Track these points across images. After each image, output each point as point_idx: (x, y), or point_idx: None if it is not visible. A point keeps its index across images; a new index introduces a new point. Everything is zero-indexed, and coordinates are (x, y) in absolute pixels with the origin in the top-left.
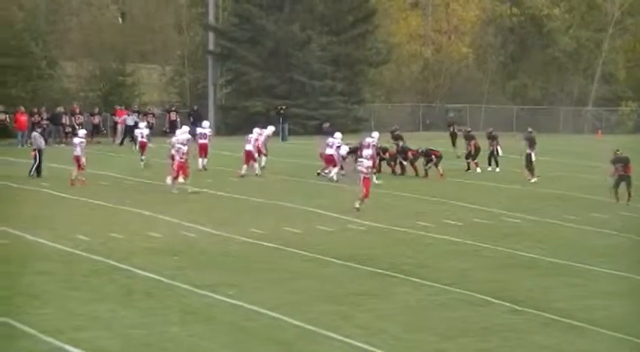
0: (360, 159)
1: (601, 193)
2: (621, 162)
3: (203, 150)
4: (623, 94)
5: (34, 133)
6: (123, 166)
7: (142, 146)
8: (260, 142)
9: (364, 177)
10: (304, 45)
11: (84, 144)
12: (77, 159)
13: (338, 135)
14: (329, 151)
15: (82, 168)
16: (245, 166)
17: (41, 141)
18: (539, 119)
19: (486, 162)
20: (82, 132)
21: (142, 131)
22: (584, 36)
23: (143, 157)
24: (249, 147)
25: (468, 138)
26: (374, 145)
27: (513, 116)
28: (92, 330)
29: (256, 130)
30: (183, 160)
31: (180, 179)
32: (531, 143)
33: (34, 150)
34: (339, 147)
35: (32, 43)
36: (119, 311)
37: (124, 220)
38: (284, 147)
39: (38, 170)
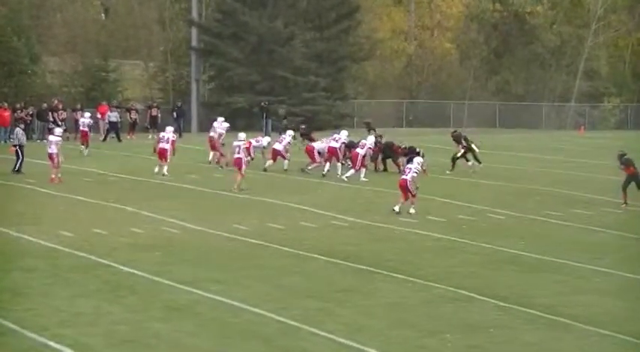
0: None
1: (584, 189)
2: (625, 164)
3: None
4: (606, 90)
5: (17, 129)
6: (106, 162)
7: (83, 135)
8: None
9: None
10: (287, 41)
11: (60, 143)
12: (51, 156)
13: (344, 133)
14: (333, 144)
15: (57, 166)
16: (271, 161)
17: (23, 138)
18: (521, 115)
19: (463, 159)
20: (58, 130)
21: (84, 120)
22: (567, 32)
23: (82, 146)
24: (277, 146)
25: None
26: (370, 147)
27: (496, 112)
28: (76, 326)
29: (289, 133)
30: (241, 157)
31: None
32: (457, 141)
33: (15, 146)
34: (344, 143)
35: (15, 38)
36: (103, 307)
37: (107, 216)
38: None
39: (19, 167)
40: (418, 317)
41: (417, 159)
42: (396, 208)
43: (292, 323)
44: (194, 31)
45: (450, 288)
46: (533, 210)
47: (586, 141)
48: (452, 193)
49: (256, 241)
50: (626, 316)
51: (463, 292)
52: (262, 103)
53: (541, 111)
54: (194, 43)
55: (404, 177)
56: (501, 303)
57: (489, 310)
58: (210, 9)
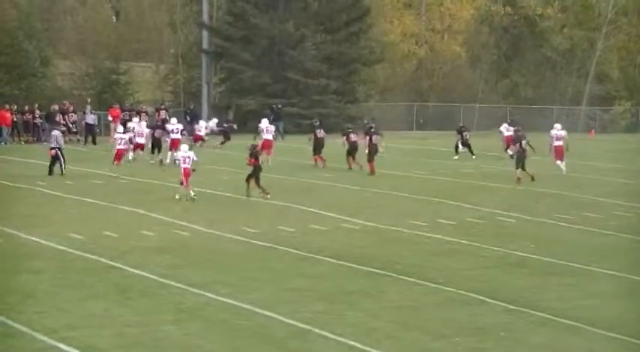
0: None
1: (594, 192)
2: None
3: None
4: (617, 94)
5: (56, 132)
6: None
7: (175, 143)
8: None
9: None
10: (298, 43)
11: None
12: None
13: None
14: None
15: None
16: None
17: (62, 141)
18: (532, 118)
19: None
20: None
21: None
22: (578, 35)
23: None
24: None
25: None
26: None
27: (507, 115)
28: (85, 329)
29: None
30: None
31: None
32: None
33: (53, 148)
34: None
35: (26, 41)
36: (112, 310)
37: (117, 219)
38: (279, 146)
39: (57, 167)
40: (427, 320)
41: (184, 147)
42: (177, 196)
43: (302, 325)
44: (205, 34)
45: (460, 291)
46: (543, 213)
47: (596, 144)
48: (460, 196)
49: (266, 244)
50: (635, 319)
51: (472, 295)
52: (274, 106)
53: (552, 115)
54: (205, 45)
55: (185, 165)
56: (511, 306)
57: (499, 313)
58: (221, 12)
